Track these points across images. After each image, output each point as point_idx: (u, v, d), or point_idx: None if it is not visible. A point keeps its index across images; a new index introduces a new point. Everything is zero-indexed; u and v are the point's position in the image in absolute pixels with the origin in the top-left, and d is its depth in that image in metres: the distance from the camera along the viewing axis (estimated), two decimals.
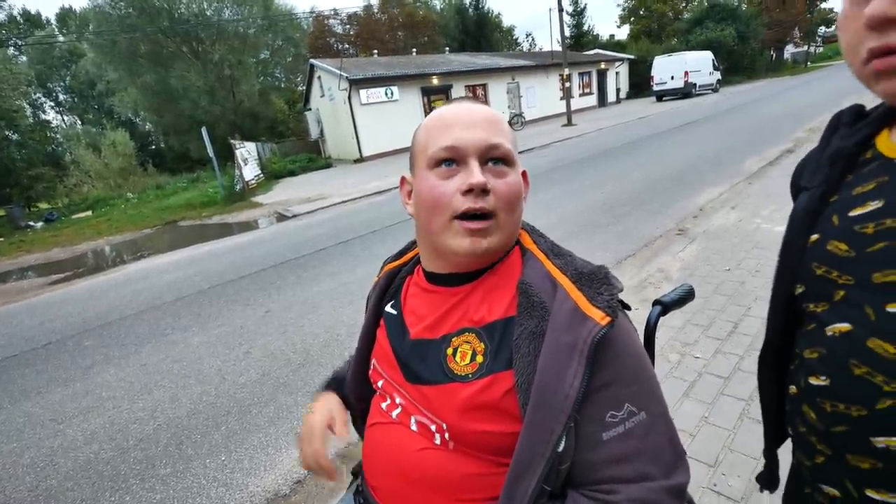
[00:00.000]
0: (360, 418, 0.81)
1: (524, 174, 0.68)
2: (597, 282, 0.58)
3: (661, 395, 0.58)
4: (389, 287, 0.79)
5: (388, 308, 0.76)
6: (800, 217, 0.57)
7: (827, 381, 0.50)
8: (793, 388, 0.57)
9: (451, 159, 0.60)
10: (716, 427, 1.74)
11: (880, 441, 0.45)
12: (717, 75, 21.88)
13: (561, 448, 0.52)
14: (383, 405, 0.71)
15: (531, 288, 0.60)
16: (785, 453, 0.69)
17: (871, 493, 0.47)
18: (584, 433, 0.54)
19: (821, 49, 49.23)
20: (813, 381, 0.52)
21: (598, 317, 0.53)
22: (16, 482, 2.14)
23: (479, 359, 0.60)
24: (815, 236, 0.54)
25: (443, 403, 0.60)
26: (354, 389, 0.81)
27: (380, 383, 0.73)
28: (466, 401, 0.57)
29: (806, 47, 40.84)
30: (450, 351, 0.62)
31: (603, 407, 0.53)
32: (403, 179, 0.72)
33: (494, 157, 0.61)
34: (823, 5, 39.98)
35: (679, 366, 2.15)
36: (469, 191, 0.58)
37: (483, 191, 0.58)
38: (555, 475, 0.53)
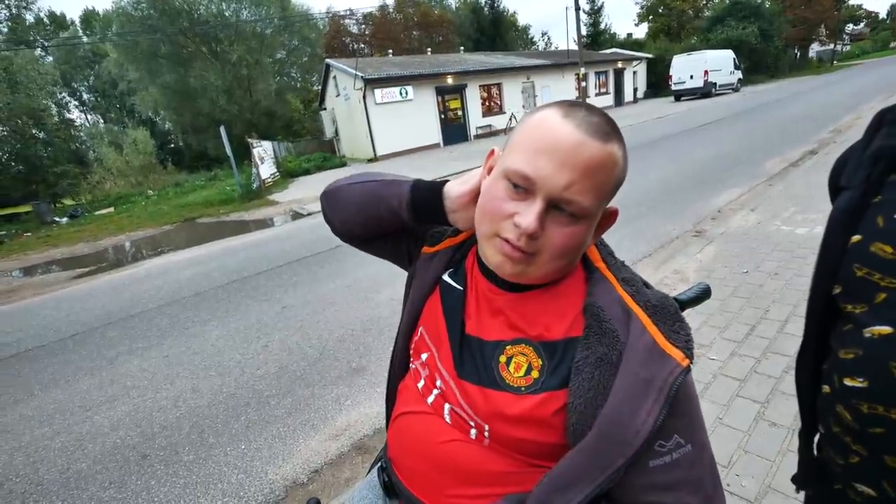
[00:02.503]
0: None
1: (614, 213, 0.64)
2: (670, 317, 0.57)
3: (705, 426, 0.58)
4: (451, 259, 0.75)
5: (446, 277, 0.73)
6: (840, 217, 0.55)
7: (864, 383, 0.49)
8: (826, 388, 0.57)
9: (522, 186, 0.56)
10: (730, 428, 1.74)
11: None
12: (739, 74, 21.45)
13: (615, 477, 0.52)
14: (419, 385, 0.70)
15: (603, 312, 0.58)
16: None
17: None
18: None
19: (847, 47, 47.84)
20: (848, 382, 0.51)
21: (679, 357, 0.53)
22: (48, 465, 2.25)
23: (535, 374, 0.59)
24: (856, 237, 0.52)
25: (489, 408, 0.60)
26: (400, 360, 0.79)
27: (424, 356, 0.70)
28: (517, 414, 0.57)
29: (832, 45, 39.78)
30: (503, 359, 0.61)
31: (654, 436, 0.53)
32: (492, 153, 0.68)
33: (563, 208, 0.55)
34: (851, 2, 38.85)
35: (694, 367, 2.13)
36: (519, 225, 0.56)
37: (531, 236, 0.55)
38: (597, 494, 0.54)
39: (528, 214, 0.54)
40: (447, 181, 0.73)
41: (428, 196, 0.72)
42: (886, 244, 0.49)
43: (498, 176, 0.60)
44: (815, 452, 0.67)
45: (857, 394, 0.50)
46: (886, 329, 0.47)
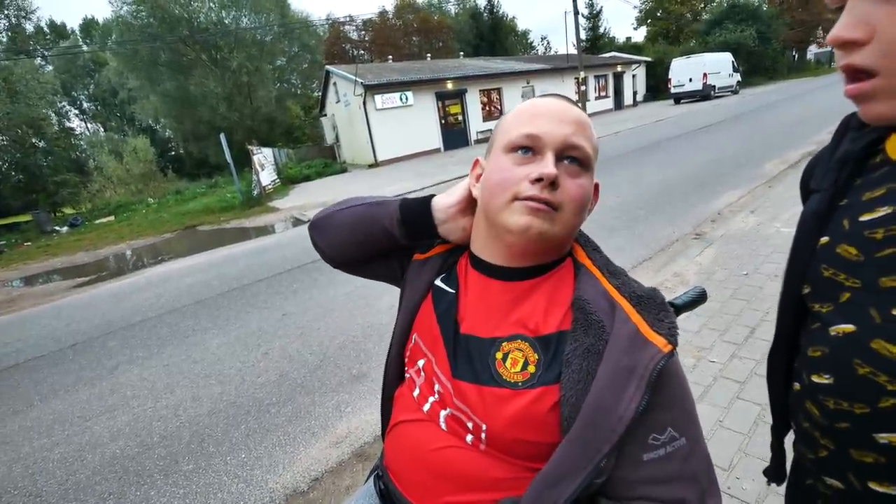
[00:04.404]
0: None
1: (596, 186, 0.67)
2: (655, 307, 0.58)
3: (699, 420, 0.59)
4: (443, 264, 0.76)
5: (438, 282, 0.74)
6: (809, 219, 0.57)
7: (830, 380, 0.51)
8: (796, 385, 0.59)
9: (529, 147, 0.61)
10: (731, 431, 1.73)
11: (883, 437, 0.47)
12: (737, 77, 21.52)
13: (603, 464, 0.52)
14: (414, 394, 0.70)
15: (589, 305, 0.59)
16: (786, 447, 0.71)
17: (873, 486, 0.49)
18: (624, 452, 0.54)
19: None
20: (816, 378, 0.53)
21: (661, 344, 0.54)
22: (47, 476, 2.24)
23: (531, 369, 0.59)
24: (824, 239, 0.54)
25: (487, 406, 0.59)
26: (394, 369, 0.80)
27: (420, 362, 0.70)
28: (515, 411, 0.57)
29: (830, 47, 39.89)
30: (499, 355, 0.61)
31: (646, 429, 0.53)
32: (477, 162, 0.72)
33: (572, 156, 0.61)
34: None
35: (694, 370, 2.14)
36: (538, 180, 0.58)
37: (552, 183, 0.58)
38: (587, 486, 0.54)
39: (544, 165, 0.59)
40: (434, 196, 0.75)
41: (417, 211, 0.74)
42: (851, 246, 0.51)
43: (498, 155, 0.64)
44: (791, 448, 0.69)
45: (824, 390, 0.52)
46: (850, 327, 0.49)
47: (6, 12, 20.20)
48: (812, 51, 39.67)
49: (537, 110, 0.62)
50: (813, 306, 0.56)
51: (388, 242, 0.78)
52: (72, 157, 24.61)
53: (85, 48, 35.85)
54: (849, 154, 0.55)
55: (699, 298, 0.89)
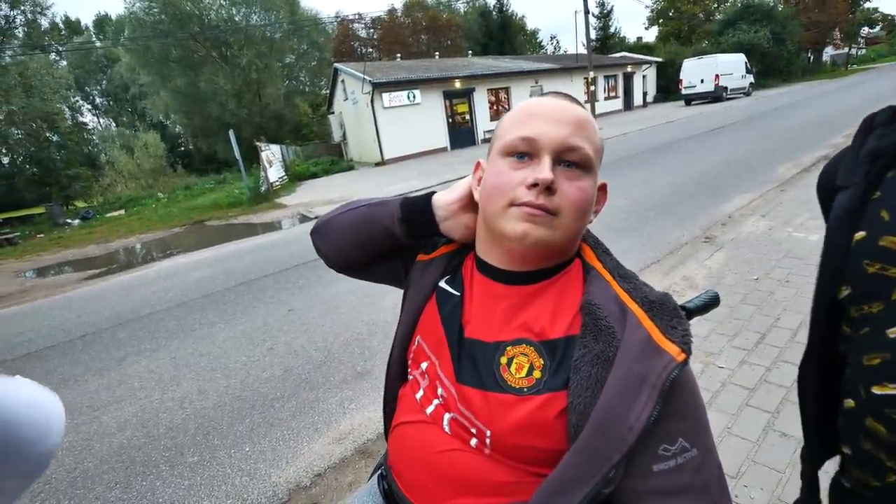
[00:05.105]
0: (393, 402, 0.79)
1: (603, 187, 0.66)
2: (667, 313, 0.56)
3: (711, 430, 0.57)
4: (448, 266, 0.75)
5: (443, 284, 0.72)
6: (841, 216, 0.55)
7: None
8: (849, 402, 0.54)
9: (525, 152, 0.59)
10: (739, 438, 1.71)
11: None
12: (750, 78, 21.28)
13: (612, 474, 0.51)
14: (417, 396, 0.69)
15: (599, 310, 0.58)
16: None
17: None
18: (634, 462, 0.53)
19: (863, 51, 47.33)
20: (877, 390, 0.49)
21: (675, 352, 0.52)
22: (56, 463, 2.26)
23: (537, 374, 0.58)
24: (861, 234, 0.52)
25: (491, 411, 0.58)
26: (397, 369, 0.79)
27: (424, 365, 0.69)
28: (519, 417, 0.56)
29: (847, 49, 39.32)
30: (504, 360, 0.60)
31: (657, 439, 0.52)
32: (479, 164, 0.70)
33: (570, 160, 0.59)
34: (867, 5, 38.37)
35: (702, 375, 2.12)
36: (534, 185, 0.56)
37: (548, 188, 0.56)
38: (594, 495, 0.53)
39: (540, 170, 0.57)
40: (435, 192, 0.75)
41: (418, 209, 0.74)
42: None
43: (495, 159, 0.63)
44: (838, 475, 0.63)
45: (891, 402, 0.47)
46: None
47: (23, 7, 20.42)
48: (828, 52, 39.12)
49: (534, 111, 0.60)
50: (861, 308, 0.52)
51: (390, 243, 0.77)
52: (84, 152, 24.99)
53: (98, 44, 36.28)
54: (879, 149, 0.53)
55: (712, 302, 0.87)
